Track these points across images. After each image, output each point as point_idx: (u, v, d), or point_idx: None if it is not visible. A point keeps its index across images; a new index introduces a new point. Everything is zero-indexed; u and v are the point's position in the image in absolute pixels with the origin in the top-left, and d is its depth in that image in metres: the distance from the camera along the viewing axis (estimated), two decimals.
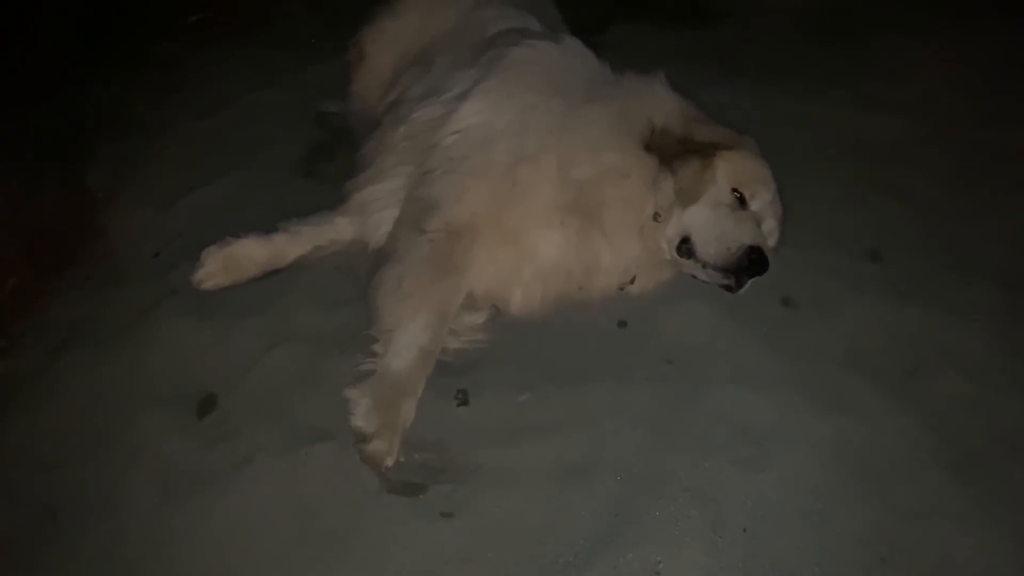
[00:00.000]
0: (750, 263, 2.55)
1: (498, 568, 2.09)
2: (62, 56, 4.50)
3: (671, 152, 2.67)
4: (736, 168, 2.67)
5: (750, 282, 2.61)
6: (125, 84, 4.22)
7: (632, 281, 2.72)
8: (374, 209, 2.88)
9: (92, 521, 2.37)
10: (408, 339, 2.46)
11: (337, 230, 2.95)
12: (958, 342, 2.65)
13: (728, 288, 2.63)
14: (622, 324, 2.69)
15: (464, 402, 2.48)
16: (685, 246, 2.65)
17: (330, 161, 3.55)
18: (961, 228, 3.09)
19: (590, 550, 2.09)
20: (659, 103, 2.77)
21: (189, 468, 2.41)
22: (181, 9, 4.91)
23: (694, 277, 2.71)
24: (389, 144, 2.98)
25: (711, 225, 2.62)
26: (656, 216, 2.66)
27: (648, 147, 2.68)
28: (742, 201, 2.66)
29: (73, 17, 4.87)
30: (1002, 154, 3.40)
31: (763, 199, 2.69)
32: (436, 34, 3.40)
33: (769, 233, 2.72)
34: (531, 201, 2.60)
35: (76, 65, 4.39)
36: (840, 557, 2.08)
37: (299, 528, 2.23)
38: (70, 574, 2.29)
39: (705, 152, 2.67)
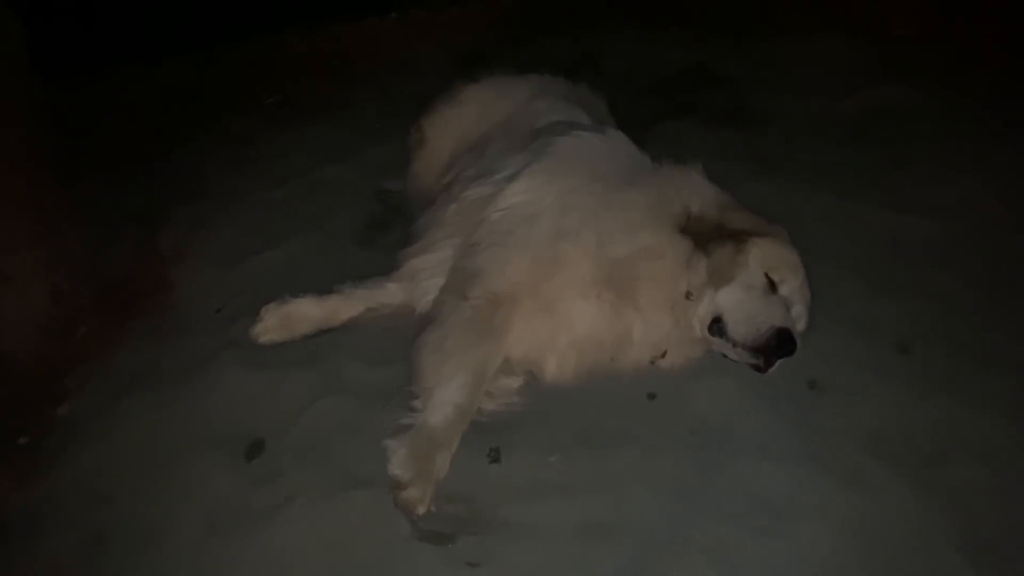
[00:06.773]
0: (779, 344, 2.65)
1: None
2: (146, 127, 4.89)
3: (705, 236, 2.81)
4: (767, 254, 2.79)
5: (778, 363, 2.70)
6: (203, 155, 4.57)
7: (663, 355, 2.83)
8: (423, 277, 3.06)
9: (140, 550, 2.51)
10: (446, 396, 2.58)
11: (388, 294, 3.14)
12: (981, 434, 2.67)
13: (757, 368, 2.72)
14: (651, 396, 2.79)
15: (496, 459, 2.59)
16: (717, 325, 2.76)
17: (386, 233, 3.77)
18: (988, 327, 3.13)
19: None
20: (695, 191, 2.92)
21: (235, 506, 2.55)
22: (259, 91, 5.35)
23: (724, 356, 2.81)
24: (441, 219, 3.17)
25: (743, 306, 2.73)
26: (688, 295, 2.78)
27: (683, 230, 2.81)
28: (772, 286, 2.78)
29: (159, 92, 5.32)
30: None
31: (792, 285, 2.80)
32: (492, 123, 3.63)
33: (797, 317, 2.81)
34: (569, 274, 2.74)
35: (159, 136, 4.76)
36: None
37: (333, 567, 2.33)
38: None
39: (738, 238, 2.80)
